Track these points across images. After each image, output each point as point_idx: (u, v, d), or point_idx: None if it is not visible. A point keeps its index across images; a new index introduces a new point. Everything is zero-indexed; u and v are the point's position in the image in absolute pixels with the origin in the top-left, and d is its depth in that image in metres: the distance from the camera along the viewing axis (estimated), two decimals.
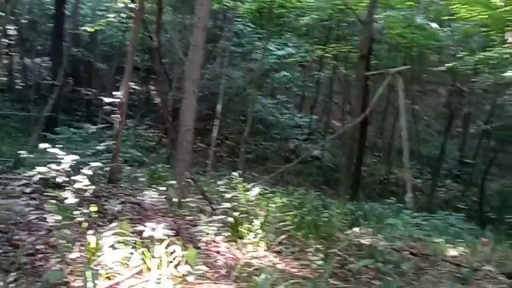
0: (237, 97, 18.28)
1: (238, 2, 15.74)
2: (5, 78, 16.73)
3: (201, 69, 16.83)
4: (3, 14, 15.54)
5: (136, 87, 18.95)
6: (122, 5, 8.51)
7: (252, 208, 5.86)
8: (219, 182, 8.13)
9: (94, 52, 18.10)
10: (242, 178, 7.77)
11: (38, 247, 3.97)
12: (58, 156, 4.49)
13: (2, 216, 4.34)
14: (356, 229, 6.62)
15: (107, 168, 7.36)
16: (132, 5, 8.50)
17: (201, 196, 6.81)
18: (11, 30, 16.92)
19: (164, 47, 17.27)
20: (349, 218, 7.59)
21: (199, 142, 16.49)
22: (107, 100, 7.50)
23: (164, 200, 6.32)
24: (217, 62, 17.23)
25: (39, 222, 4.33)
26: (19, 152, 6.29)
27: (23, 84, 16.32)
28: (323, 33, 17.91)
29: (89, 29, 9.86)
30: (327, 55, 16.34)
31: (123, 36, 15.75)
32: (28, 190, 5.03)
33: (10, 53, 17.29)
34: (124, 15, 8.56)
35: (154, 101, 18.54)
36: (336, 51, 15.59)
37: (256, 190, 7.06)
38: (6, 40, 16.66)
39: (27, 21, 17.19)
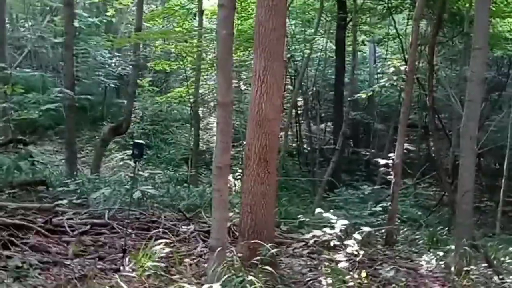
0: None
1: None
2: (294, 144, 18.76)
3: (485, 122, 15.48)
4: (292, 88, 17.76)
5: (413, 146, 18.69)
6: (394, 68, 8.72)
7: None
8: (510, 249, 7.18)
9: (373, 114, 18.78)
10: None
11: None
12: (331, 220, 4.74)
13: (284, 274, 4.79)
14: None
15: (385, 230, 7.36)
16: (403, 68, 8.58)
17: (486, 265, 6.15)
18: (300, 101, 19.04)
19: (441, 102, 16.73)
20: None
21: (487, 200, 14.97)
22: (382, 161, 7.60)
23: (443, 267, 5.93)
24: (504, 112, 15.62)
25: (315, 283, 4.61)
26: (298, 215, 6.86)
27: (309, 149, 17.96)
28: None
29: (363, 95, 10.35)
30: None
31: (400, 96, 15.93)
32: (306, 251, 5.44)
33: (299, 122, 19.39)
34: (395, 77, 8.74)
35: (435, 158, 17.86)
36: None
37: None
38: (296, 110, 18.83)
39: (312, 92, 19.12)
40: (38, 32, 18.67)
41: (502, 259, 6.62)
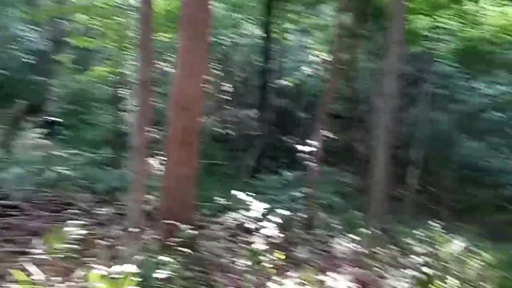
0: (441, 141, 17.19)
1: (440, 43, 15.06)
2: (220, 129, 18.76)
3: (401, 115, 16.24)
4: (219, 72, 17.67)
5: (335, 134, 19.29)
6: (319, 58, 8.93)
7: (450, 264, 5.34)
8: (416, 233, 7.65)
9: (299, 103, 19.17)
10: (443, 230, 7.20)
11: None
12: (250, 203, 4.80)
13: (202, 256, 4.80)
14: None
15: (305, 214, 7.57)
16: (327, 57, 8.80)
17: (394, 247, 6.52)
18: (226, 86, 19.03)
19: (363, 95, 17.39)
20: None
21: (400, 189, 15.81)
22: (304, 148, 7.78)
23: (356, 249, 6.21)
24: (419, 106, 16.54)
25: (232, 265, 4.66)
26: (215, 198, 6.88)
27: (235, 134, 18.06)
28: None
29: (288, 83, 10.50)
30: None
31: (325, 86, 16.34)
32: (225, 233, 5.47)
33: (225, 107, 19.40)
34: (319, 67, 8.96)
35: (354, 148, 18.59)
36: None
37: (458, 244, 6.45)
38: (222, 96, 18.80)
39: (239, 78, 19.16)
40: None
41: (409, 242, 7.04)
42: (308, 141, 7.89)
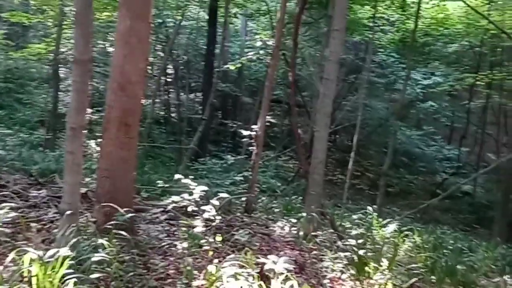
0: (379, 128, 17.83)
1: (380, 33, 15.50)
2: (162, 112, 18.48)
3: (341, 101, 16.63)
4: (162, 54, 17.34)
5: (276, 120, 19.53)
6: (262, 43, 8.97)
7: (383, 245, 5.57)
8: (353, 216, 7.93)
9: (241, 87, 19.18)
10: (378, 213, 7.49)
11: (169, 272, 4.25)
12: (190, 187, 4.79)
13: (141, 240, 4.75)
14: (507, 278, 5.91)
15: (245, 198, 7.63)
16: (270, 43, 8.85)
17: (332, 230, 6.72)
18: (170, 69, 18.72)
19: (305, 81, 17.65)
20: (499, 264, 6.81)
21: (339, 174, 16.29)
22: (245, 132, 7.82)
23: (294, 232, 6.35)
24: (359, 93, 17.03)
25: (172, 248, 4.65)
26: (157, 181, 6.83)
27: (177, 118, 17.85)
28: (474, 60, 16.70)
29: (231, 67, 10.47)
30: (479, 83, 15.15)
31: (268, 71, 16.45)
32: (165, 217, 5.44)
33: (168, 90, 19.09)
34: (262, 52, 9.01)
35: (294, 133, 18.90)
36: (489, 78, 14.41)
37: (392, 227, 6.74)
38: (165, 78, 18.49)
39: (183, 61, 18.90)
40: None
41: (346, 225, 7.28)
42: (250, 125, 7.93)
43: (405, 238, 6.52)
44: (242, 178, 9.08)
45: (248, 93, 20.03)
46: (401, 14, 14.77)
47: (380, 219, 6.92)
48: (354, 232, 6.37)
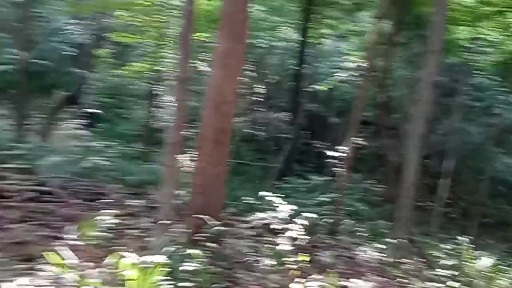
0: (474, 154, 16.87)
1: (477, 54, 14.80)
2: (250, 130, 18.85)
3: (434, 125, 16.00)
4: (253, 74, 17.76)
5: (365, 142, 19.13)
6: (354, 64, 8.94)
7: (476, 279, 5.28)
8: (443, 246, 7.57)
9: (330, 108, 19.10)
10: (471, 245, 7.09)
11: (253, 287, 4.33)
12: (275, 204, 4.86)
13: (228, 254, 4.88)
14: None
15: (330, 220, 7.59)
16: (363, 64, 8.80)
17: (420, 259, 6.47)
18: (259, 88, 19.11)
19: (396, 102, 17.20)
20: None
21: (429, 200, 15.60)
22: (333, 154, 7.80)
23: (380, 257, 6.20)
24: (453, 117, 16.29)
25: (257, 264, 4.73)
26: (242, 197, 6.97)
27: (265, 136, 18.12)
28: None
29: (320, 88, 10.51)
30: None
31: (359, 92, 16.26)
32: (251, 233, 5.55)
33: (257, 109, 19.48)
34: (355, 74, 8.96)
35: (384, 155, 18.42)
36: None
37: (485, 260, 6.36)
38: (254, 98, 18.89)
39: (272, 81, 19.22)
40: None
41: (435, 255, 6.97)
42: (338, 146, 7.89)
43: (500, 273, 6.12)
44: (327, 199, 9.01)
45: (337, 113, 19.87)
46: (504, 35, 14.02)
47: (473, 251, 6.55)
48: (443, 262, 6.09)
